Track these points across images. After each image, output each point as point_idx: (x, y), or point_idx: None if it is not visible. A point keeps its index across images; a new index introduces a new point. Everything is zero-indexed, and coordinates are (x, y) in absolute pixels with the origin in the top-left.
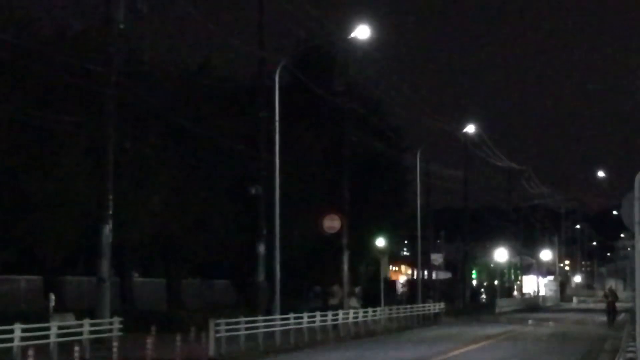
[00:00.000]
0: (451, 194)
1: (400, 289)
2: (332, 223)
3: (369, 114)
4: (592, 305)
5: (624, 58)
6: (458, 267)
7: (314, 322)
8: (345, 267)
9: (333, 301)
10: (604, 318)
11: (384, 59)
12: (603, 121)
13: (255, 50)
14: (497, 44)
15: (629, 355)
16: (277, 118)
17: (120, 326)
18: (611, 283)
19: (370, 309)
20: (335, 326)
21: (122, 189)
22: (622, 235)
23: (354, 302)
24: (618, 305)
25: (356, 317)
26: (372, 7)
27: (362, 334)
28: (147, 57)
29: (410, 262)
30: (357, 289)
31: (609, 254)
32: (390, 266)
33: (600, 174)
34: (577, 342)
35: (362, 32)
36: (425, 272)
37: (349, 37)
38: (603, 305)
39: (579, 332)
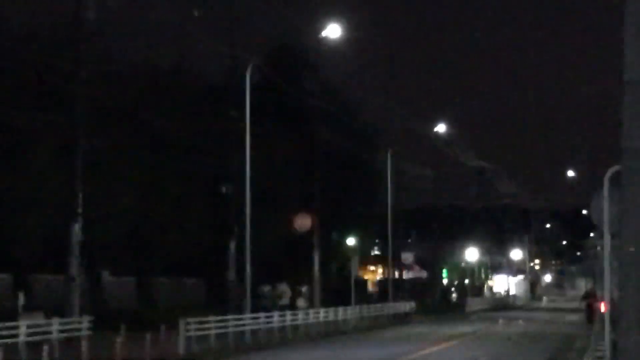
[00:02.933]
0: (423, 193)
1: (371, 287)
2: (303, 222)
3: (341, 113)
4: (562, 305)
5: (598, 57)
6: (429, 266)
7: (284, 320)
8: (316, 265)
9: (282, 301)
10: (573, 317)
11: (357, 58)
12: (573, 121)
13: (226, 49)
14: (471, 44)
15: (598, 354)
16: (248, 117)
17: (90, 325)
18: (586, 282)
19: (340, 308)
20: (306, 325)
21: (93, 188)
22: (591, 234)
23: (301, 302)
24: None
25: (327, 316)
26: (345, 6)
27: (333, 333)
28: (119, 55)
29: (381, 261)
30: (304, 289)
31: (578, 253)
32: (369, 266)
33: (570, 173)
34: (546, 341)
35: (333, 31)
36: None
37: (320, 36)
38: (573, 305)
39: (548, 331)
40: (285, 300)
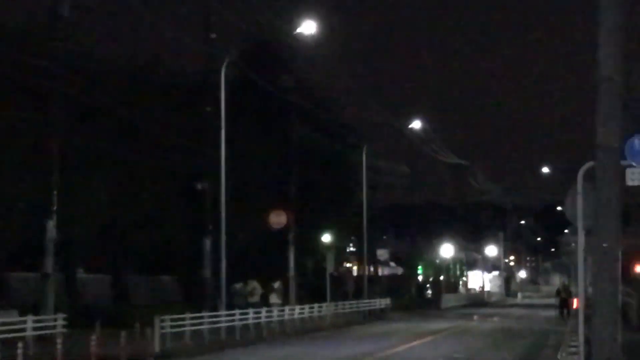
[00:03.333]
0: (398, 190)
1: (347, 283)
2: (278, 218)
3: (317, 110)
4: (536, 301)
5: (572, 55)
6: (404, 262)
7: (259, 317)
8: (292, 262)
9: (253, 299)
10: (547, 313)
11: (333, 55)
12: (548, 118)
13: (202, 46)
14: (447, 41)
15: (572, 349)
16: (223, 114)
17: (65, 322)
18: (560, 278)
19: (316, 305)
20: (281, 322)
21: (68, 185)
22: (566, 230)
23: (274, 298)
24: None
25: (302, 313)
26: (321, 2)
27: (308, 330)
28: (95, 52)
29: (357, 258)
30: (277, 285)
31: (553, 249)
32: (350, 264)
33: (545, 169)
34: (521, 337)
35: (308, 27)
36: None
37: (295, 32)
38: (548, 301)
39: (523, 328)
40: (256, 298)
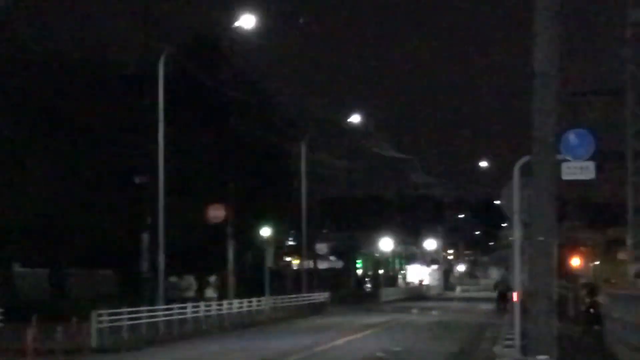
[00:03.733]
0: (338, 184)
1: (286, 277)
2: (216, 212)
3: (257, 104)
4: (475, 294)
5: (508, 53)
6: (343, 256)
7: (197, 312)
8: (231, 256)
9: (187, 293)
10: (486, 306)
11: (273, 49)
12: (486, 112)
13: (141, 38)
14: (386, 36)
15: (508, 342)
16: (161, 107)
17: (1, 317)
18: (498, 272)
19: (254, 298)
20: (219, 316)
21: (3, 178)
22: (504, 224)
23: (210, 292)
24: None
25: (241, 307)
26: None
27: (247, 324)
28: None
29: (297, 252)
30: (213, 279)
31: (491, 243)
32: (289, 258)
33: (483, 164)
34: (459, 330)
35: (246, 21)
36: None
37: (233, 26)
38: (486, 294)
39: (461, 321)
40: (191, 292)
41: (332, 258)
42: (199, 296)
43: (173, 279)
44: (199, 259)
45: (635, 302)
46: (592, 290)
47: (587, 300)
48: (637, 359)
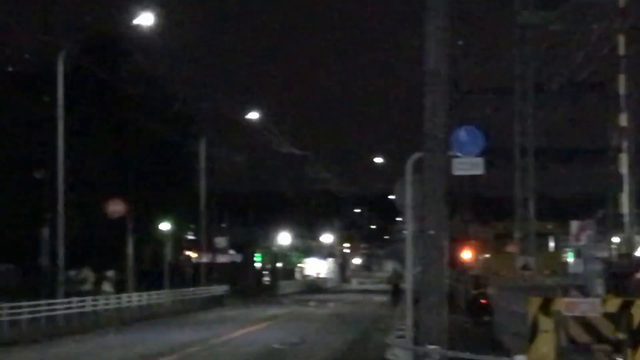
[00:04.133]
0: (237, 179)
1: (185, 271)
2: (116, 207)
3: (157, 100)
4: (370, 286)
5: (401, 52)
6: (242, 250)
7: (97, 305)
8: (130, 250)
9: (85, 287)
10: (380, 298)
11: (173, 47)
12: (380, 110)
13: (40, 35)
14: (284, 33)
15: (399, 333)
16: (60, 103)
17: None
18: (391, 265)
19: (154, 292)
20: (119, 309)
21: None
22: (398, 218)
23: (106, 286)
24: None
25: (140, 300)
26: None
27: (146, 317)
28: None
29: (196, 246)
30: (110, 273)
31: (386, 237)
32: (189, 252)
33: (378, 160)
34: (354, 322)
35: (146, 19)
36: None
37: (132, 24)
38: (381, 286)
39: (357, 313)
40: (88, 286)
41: (231, 252)
42: (97, 290)
43: (72, 273)
44: (99, 253)
45: (519, 292)
46: (478, 282)
47: (474, 292)
48: (520, 346)
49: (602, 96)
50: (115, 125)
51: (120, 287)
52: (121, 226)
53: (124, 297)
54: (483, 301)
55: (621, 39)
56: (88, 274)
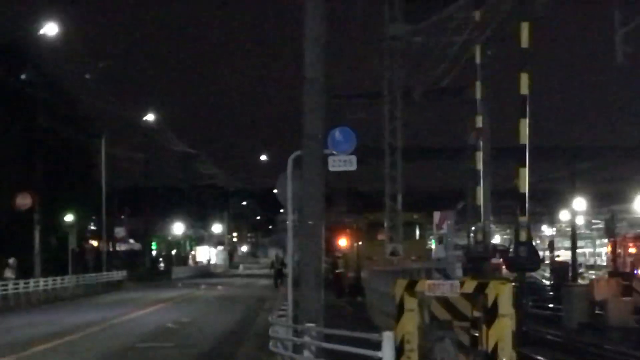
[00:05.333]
0: (134, 174)
1: (88, 258)
2: (23, 201)
3: (61, 102)
4: (256, 271)
5: (282, 59)
6: (140, 239)
7: (6, 289)
8: (37, 240)
9: None
10: (265, 282)
11: (76, 52)
12: (265, 113)
13: None
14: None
15: (282, 312)
16: None
17: None
18: (273, 252)
19: (59, 277)
20: (27, 293)
21: None
22: (281, 210)
23: (8, 273)
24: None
25: (46, 284)
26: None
27: (52, 300)
28: None
29: (98, 235)
30: (11, 261)
31: (270, 227)
32: (91, 241)
33: (263, 157)
34: (241, 303)
35: (50, 28)
36: (111, 244)
37: (39, 33)
38: (265, 271)
39: (243, 295)
40: None
41: (131, 241)
42: (0, 276)
43: None
44: (6, 243)
45: (388, 276)
46: (336, 262)
47: (336, 271)
48: (389, 324)
49: (461, 100)
50: (23, 126)
51: (28, 273)
52: (28, 218)
53: (32, 281)
54: (337, 276)
55: (477, 50)
56: None
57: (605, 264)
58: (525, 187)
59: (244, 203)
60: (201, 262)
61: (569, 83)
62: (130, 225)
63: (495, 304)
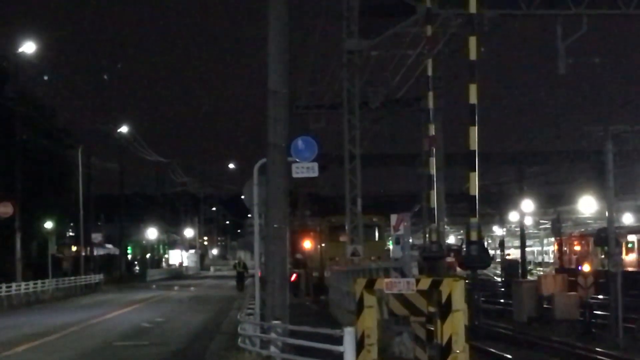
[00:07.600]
0: (110, 183)
1: (67, 262)
2: (5, 209)
3: (40, 116)
4: (226, 273)
5: (249, 71)
6: (116, 243)
7: None
8: (18, 245)
9: None
10: (234, 283)
11: (54, 68)
12: (232, 124)
13: None
14: (153, 52)
15: (249, 310)
16: None
17: None
18: (240, 254)
19: (39, 281)
20: (9, 296)
21: None
22: (249, 215)
23: None
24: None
25: (27, 288)
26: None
27: (33, 302)
28: None
29: (76, 241)
30: None
31: (239, 231)
32: (70, 246)
33: (231, 165)
34: (212, 302)
35: (28, 47)
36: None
37: (17, 52)
38: (234, 273)
39: (214, 295)
40: None
41: (108, 245)
42: None
43: None
44: None
45: (349, 275)
46: (297, 262)
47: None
48: (349, 320)
49: (416, 110)
50: (3, 137)
51: (10, 277)
52: (10, 225)
53: (14, 285)
54: (294, 276)
55: (429, 63)
56: None
57: (552, 261)
58: (475, 190)
59: (214, 209)
60: (174, 264)
61: (515, 92)
62: (107, 231)
63: (449, 299)
